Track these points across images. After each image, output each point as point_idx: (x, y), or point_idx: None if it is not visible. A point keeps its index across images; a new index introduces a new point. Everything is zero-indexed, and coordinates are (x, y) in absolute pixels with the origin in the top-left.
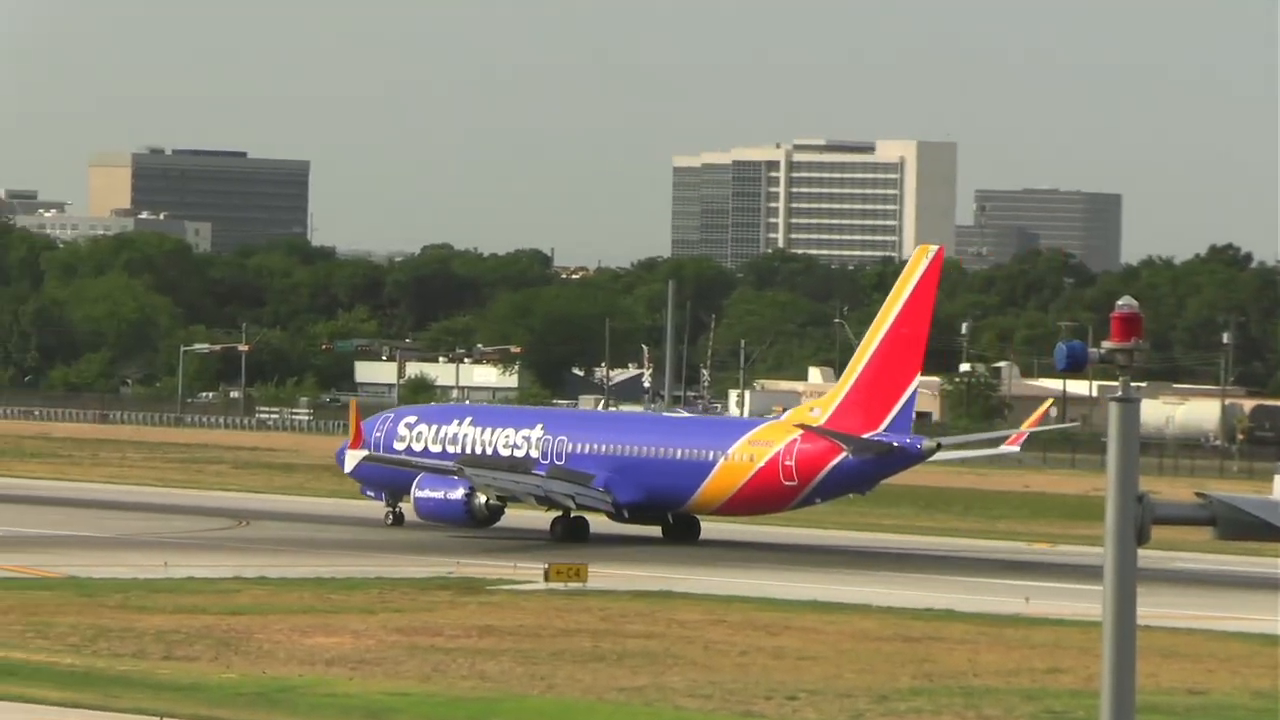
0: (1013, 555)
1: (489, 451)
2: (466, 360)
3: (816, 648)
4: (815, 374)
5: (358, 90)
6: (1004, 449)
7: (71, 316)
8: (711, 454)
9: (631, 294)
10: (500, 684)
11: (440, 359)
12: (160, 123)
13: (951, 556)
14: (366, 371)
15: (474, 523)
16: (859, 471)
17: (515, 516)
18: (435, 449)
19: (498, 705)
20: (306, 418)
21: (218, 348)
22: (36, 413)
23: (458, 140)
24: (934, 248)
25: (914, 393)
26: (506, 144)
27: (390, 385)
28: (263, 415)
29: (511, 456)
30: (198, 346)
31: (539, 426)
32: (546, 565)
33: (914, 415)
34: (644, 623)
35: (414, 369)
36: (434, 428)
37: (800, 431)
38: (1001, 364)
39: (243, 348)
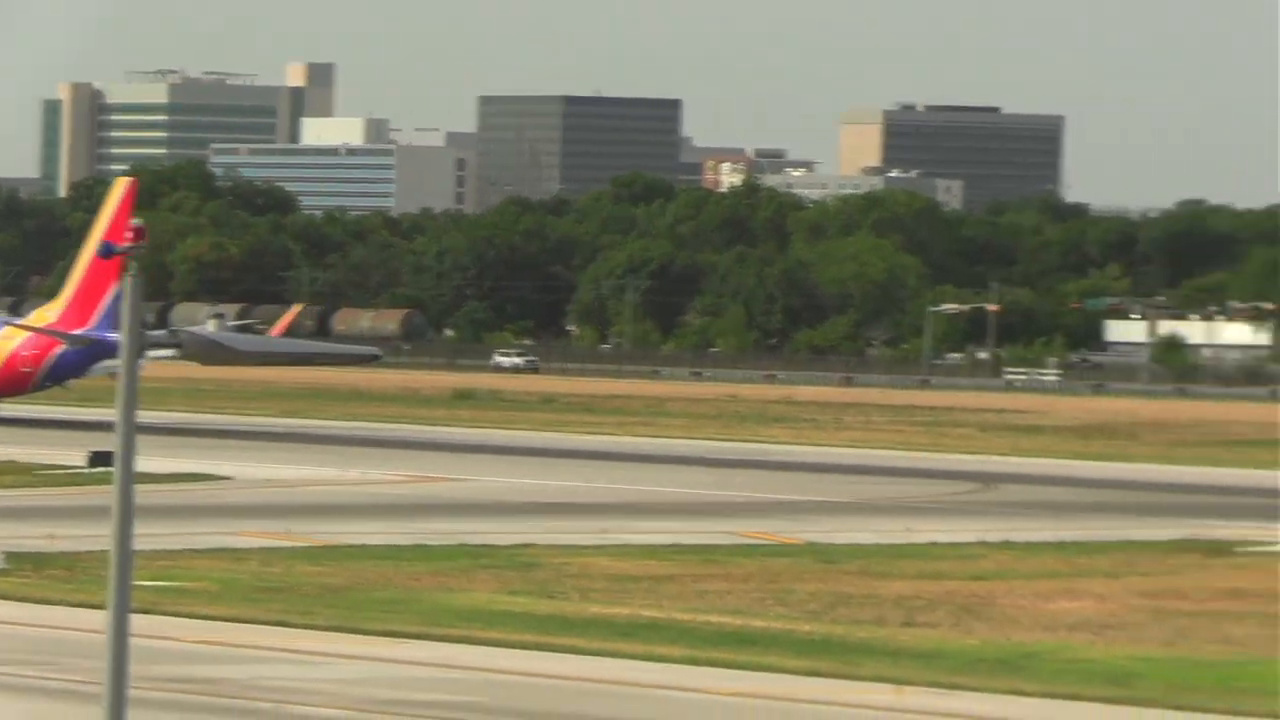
0: None
1: None
2: (1218, 318)
3: None
4: None
5: (1114, 43)
6: None
7: (818, 278)
8: None
9: None
10: (1246, 648)
11: (1192, 317)
12: (911, 78)
13: None
14: (1117, 331)
15: None
16: (74, 360)
17: None
18: None
19: (1243, 669)
20: (1055, 378)
21: (965, 308)
22: (780, 376)
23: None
24: (127, 180)
25: (114, 297)
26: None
27: (1140, 344)
28: (1010, 376)
29: None
30: (945, 307)
31: None
32: None
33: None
34: None
35: (1165, 327)
36: None
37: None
38: None
39: (992, 308)
